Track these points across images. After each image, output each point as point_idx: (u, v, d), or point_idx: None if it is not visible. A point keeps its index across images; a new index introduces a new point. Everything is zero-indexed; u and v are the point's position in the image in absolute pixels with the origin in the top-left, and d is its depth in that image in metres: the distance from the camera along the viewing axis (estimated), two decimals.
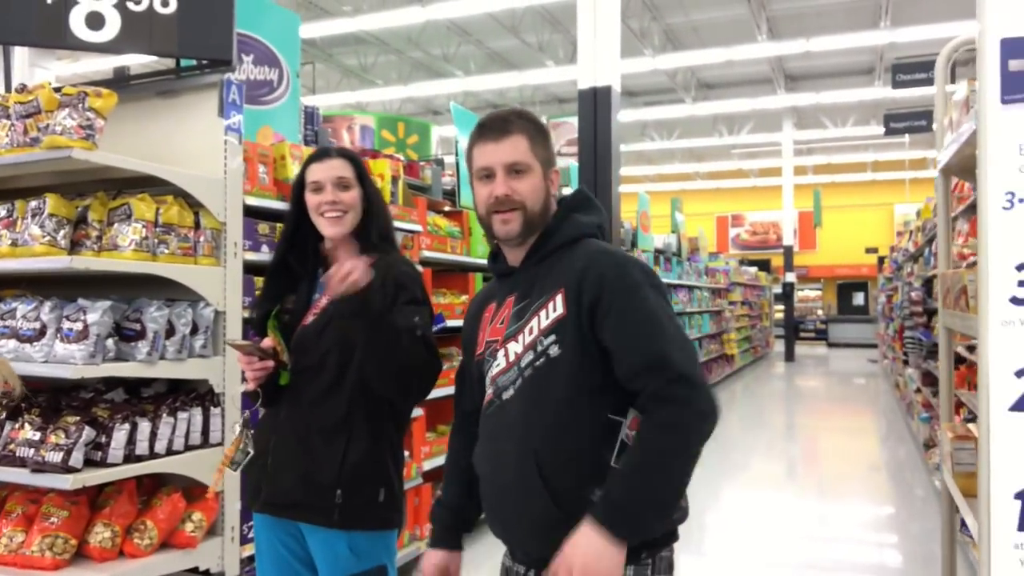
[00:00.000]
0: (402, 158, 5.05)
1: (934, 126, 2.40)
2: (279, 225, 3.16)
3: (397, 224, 3.90)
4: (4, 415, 2.55)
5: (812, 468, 7.70)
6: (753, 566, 4.42)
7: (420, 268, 4.07)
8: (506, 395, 1.46)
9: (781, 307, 18.96)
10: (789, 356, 17.80)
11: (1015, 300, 1.35)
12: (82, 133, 2.39)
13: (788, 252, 17.80)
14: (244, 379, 1.97)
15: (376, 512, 1.87)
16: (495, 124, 1.47)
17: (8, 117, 2.50)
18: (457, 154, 5.61)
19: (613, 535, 1.27)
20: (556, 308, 1.40)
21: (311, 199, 1.96)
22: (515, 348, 1.45)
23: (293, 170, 3.28)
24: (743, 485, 6.60)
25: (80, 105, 2.41)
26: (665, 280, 9.83)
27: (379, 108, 16.57)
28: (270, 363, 1.89)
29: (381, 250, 1.97)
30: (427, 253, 4.14)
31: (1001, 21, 1.44)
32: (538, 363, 1.42)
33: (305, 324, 1.94)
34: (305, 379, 1.90)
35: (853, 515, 5.61)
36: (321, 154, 2.01)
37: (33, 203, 2.50)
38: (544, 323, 1.42)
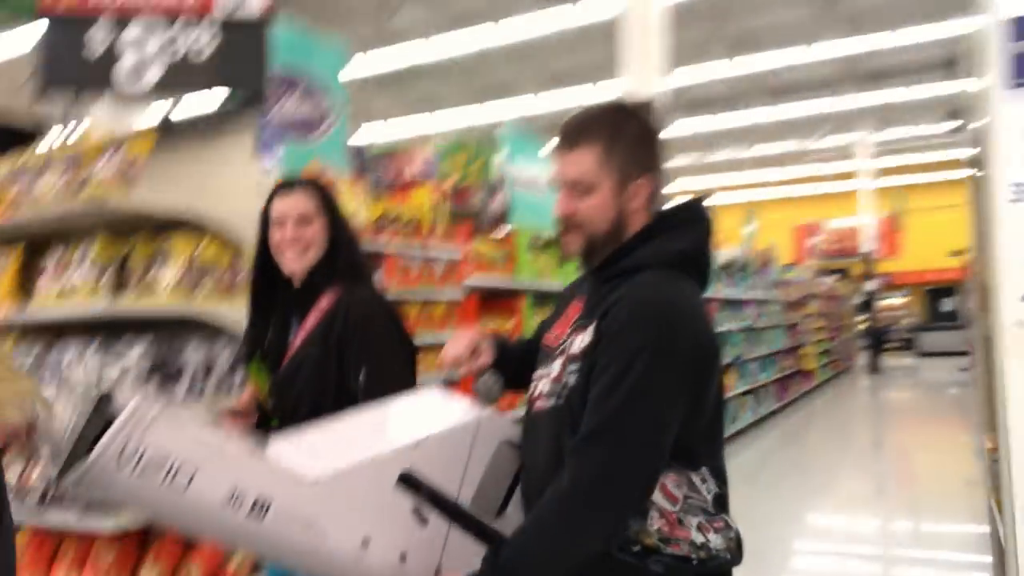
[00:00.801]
0: (448, 185, 5.10)
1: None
2: None
3: (437, 253, 3.94)
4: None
5: (903, 486, 7.27)
6: None
7: (465, 292, 4.08)
8: (542, 404, 1.42)
9: (864, 317, 18.24)
10: (874, 368, 17.05)
11: None
12: (120, 178, 2.51)
13: (867, 259, 17.13)
14: None
15: None
16: (566, 132, 1.39)
17: (54, 166, 2.65)
18: (504, 176, 5.64)
19: None
20: (588, 336, 1.35)
21: (273, 234, 1.91)
22: (558, 363, 1.41)
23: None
24: (829, 508, 6.24)
25: (118, 151, 2.54)
26: (729, 295, 9.59)
27: (444, 137, 16.86)
28: (248, 420, 1.92)
29: (350, 281, 1.92)
30: (471, 280, 4.15)
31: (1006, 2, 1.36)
32: (568, 387, 1.38)
33: (281, 367, 1.90)
34: (284, 423, 1.85)
35: (950, 534, 5.28)
36: (284, 187, 1.95)
37: (79, 250, 2.63)
38: (575, 348, 1.38)
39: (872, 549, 5.02)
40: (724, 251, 10.77)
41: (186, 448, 1.20)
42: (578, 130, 1.38)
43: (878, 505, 6.43)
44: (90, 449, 1.16)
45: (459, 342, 1.57)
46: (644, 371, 1.27)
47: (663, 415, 1.30)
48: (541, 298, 5.30)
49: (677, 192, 10.74)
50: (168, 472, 1.17)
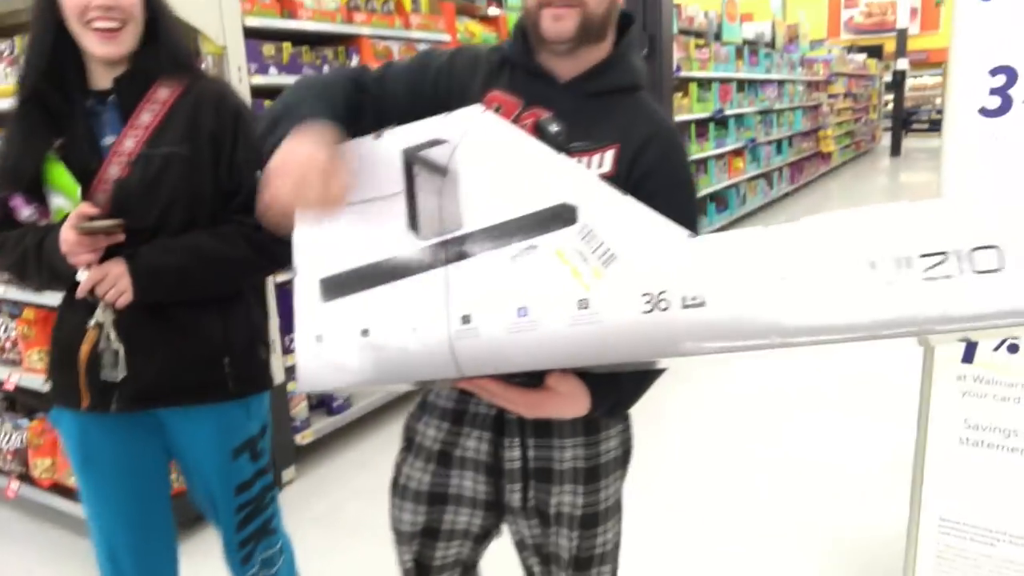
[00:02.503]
0: None
1: None
2: (286, 45, 3.08)
3: (420, 35, 3.72)
4: None
5: None
6: (852, 369, 4.39)
7: None
8: None
9: (893, 97, 17.50)
10: (895, 151, 16.63)
11: (985, 112, 1.16)
12: None
13: (901, 36, 16.08)
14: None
15: (263, 372, 1.69)
16: None
17: None
18: None
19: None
20: (604, 163, 1.21)
21: (71, 1, 1.42)
22: None
23: None
24: None
25: None
26: (751, 75, 9.16)
27: None
28: (120, 236, 1.47)
29: (190, 75, 1.58)
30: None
31: None
32: None
33: (124, 177, 1.49)
34: (140, 244, 1.49)
35: None
36: None
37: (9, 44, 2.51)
38: None
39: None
40: (748, 26, 10.14)
41: None
42: None
43: None
44: None
45: None
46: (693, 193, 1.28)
47: None
48: None
49: None
50: None
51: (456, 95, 1.23)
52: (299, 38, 3.22)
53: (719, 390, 4.03)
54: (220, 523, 1.74)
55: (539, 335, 0.94)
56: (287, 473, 3.16)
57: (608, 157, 1.20)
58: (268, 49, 3.00)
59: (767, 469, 3.18)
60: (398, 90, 1.24)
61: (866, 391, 3.95)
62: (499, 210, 0.98)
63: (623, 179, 1.19)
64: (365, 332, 1.03)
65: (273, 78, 3.00)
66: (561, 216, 0.95)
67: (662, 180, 1.20)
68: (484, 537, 1.41)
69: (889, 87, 18.04)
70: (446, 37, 3.86)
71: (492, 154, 1.01)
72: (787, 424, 3.62)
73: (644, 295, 0.90)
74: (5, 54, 2.60)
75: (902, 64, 16.28)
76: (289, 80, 3.08)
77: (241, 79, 2.83)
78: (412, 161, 1.04)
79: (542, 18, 1.18)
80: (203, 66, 2.73)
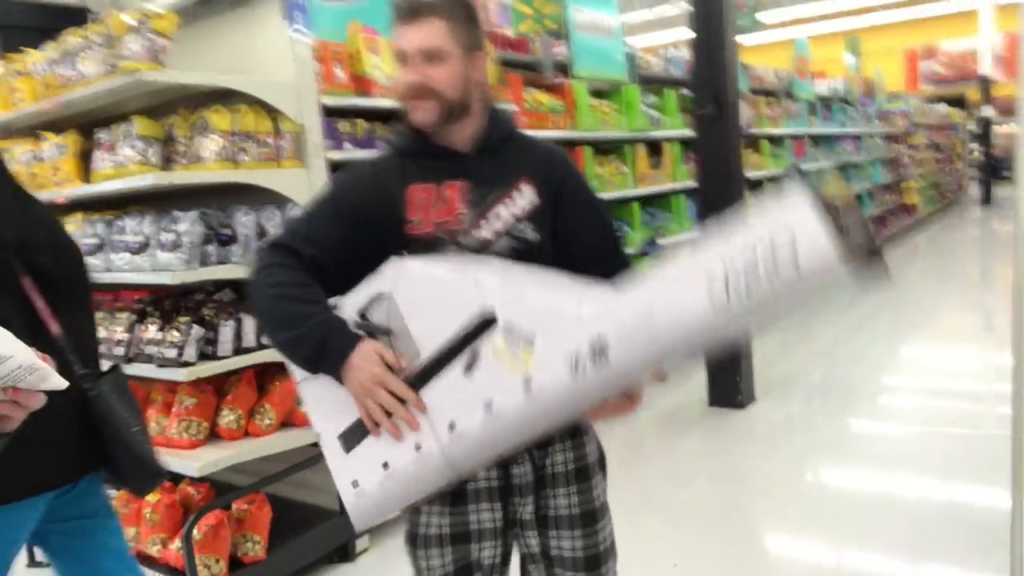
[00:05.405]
0: (529, 33, 4.91)
1: None
2: (360, 121, 3.22)
3: None
4: (134, 318, 2.87)
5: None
6: (940, 423, 4.15)
7: None
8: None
9: (980, 146, 16.88)
10: (986, 199, 15.96)
11: None
12: (149, 55, 2.53)
13: (984, 83, 15.60)
14: None
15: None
16: (409, 4, 1.38)
17: (91, 48, 2.69)
18: (568, 21, 5.36)
19: None
20: (527, 196, 1.43)
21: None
22: (484, 233, 1.42)
23: (370, 63, 3.29)
24: (926, 344, 5.97)
25: (144, 29, 2.54)
26: (825, 129, 9.04)
27: None
28: None
29: None
30: (526, 132, 4.05)
31: None
32: (517, 248, 1.42)
33: None
34: None
35: None
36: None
37: (124, 126, 2.71)
38: (516, 210, 1.44)
39: (974, 385, 4.79)
40: (820, 83, 10.05)
41: None
42: (418, 5, 1.39)
43: (984, 341, 6.05)
44: None
45: None
46: None
47: None
48: (603, 150, 5.15)
49: (772, 24, 9.88)
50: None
51: (385, 207, 1.40)
52: (373, 114, 3.37)
53: (808, 448, 3.86)
54: None
55: (507, 421, 1.16)
56: (361, 543, 3.16)
57: (526, 188, 1.43)
58: (344, 126, 3.15)
59: (859, 530, 3.00)
60: (332, 236, 1.40)
61: (955, 449, 3.72)
62: (442, 329, 1.22)
63: (547, 201, 1.44)
64: (385, 465, 1.25)
65: (349, 153, 3.14)
66: (486, 322, 1.19)
67: (572, 185, 1.49)
68: (505, 564, 1.51)
69: (975, 136, 17.44)
70: (513, 107, 3.97)
71: (421, 287, 1.27)
72: (877, 484, 3.43)
73: (566, 357, 1.12)
74: (104, 142, 2.80)
75: (987, 112, 15.76)
76: (364, 154, 3.22)
77: (318, 155, 2.97)
78: (363, 329, 1.30)
79: (409, 109, 1.40)
80: (282, 143, 2.89)
